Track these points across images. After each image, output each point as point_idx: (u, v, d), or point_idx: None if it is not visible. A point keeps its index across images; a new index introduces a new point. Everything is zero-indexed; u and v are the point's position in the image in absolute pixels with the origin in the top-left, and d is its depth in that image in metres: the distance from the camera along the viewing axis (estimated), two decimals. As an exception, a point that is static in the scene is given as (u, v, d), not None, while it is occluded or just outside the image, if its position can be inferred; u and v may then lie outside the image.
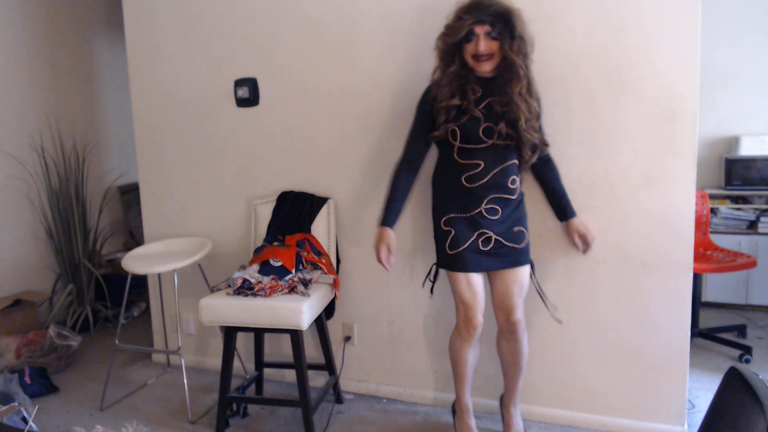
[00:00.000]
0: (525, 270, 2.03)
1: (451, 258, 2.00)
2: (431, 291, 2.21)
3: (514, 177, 1.97)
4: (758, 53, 3.75)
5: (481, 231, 1.97)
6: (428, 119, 2.00)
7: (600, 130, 2.14)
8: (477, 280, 2.00)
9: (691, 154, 2.05)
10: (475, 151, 1.94)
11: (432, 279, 2.15)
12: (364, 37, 2.43)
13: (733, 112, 3.85)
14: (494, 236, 1.97)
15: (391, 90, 2.40)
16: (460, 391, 2.15)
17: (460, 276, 1.99)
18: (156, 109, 2.92)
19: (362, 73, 2.46)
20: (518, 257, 2.00)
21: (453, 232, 1.99)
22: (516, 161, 1.97)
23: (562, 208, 2.10)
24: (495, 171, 1.93)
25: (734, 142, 3.80)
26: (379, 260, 2.00)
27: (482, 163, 1.93)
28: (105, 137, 4.22)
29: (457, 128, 1.93)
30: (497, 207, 1.96)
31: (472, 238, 1.97)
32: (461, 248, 1.98)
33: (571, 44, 2.13)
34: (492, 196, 1.95)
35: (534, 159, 1.97)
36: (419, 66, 2.14)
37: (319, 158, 2.61)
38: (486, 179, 1.94)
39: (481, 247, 1.98)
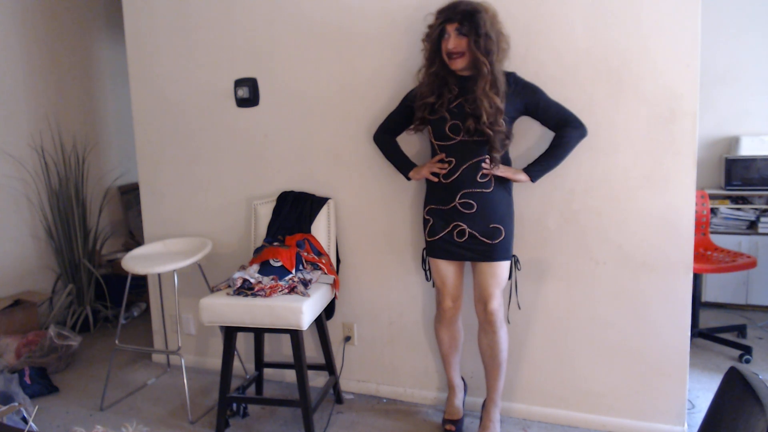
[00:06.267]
0: (502, 264, 2.09)
1: (429, 244, 2.19)
2: (427, 278, 2.28)
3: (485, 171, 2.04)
4: (758, 53, 3.75)
5: (455, 223, 2.08)
6: (405, 114, 2.22)
7: (600, 131, 2.14)
8: (448, 267, 2.16)
9: (690, 155, 2.05)
10: (448, 147, 2.06)
11: (423, 264, 2.30)
12: (364, 37, 2.43)
13: (733, 112, 3.85)
14: (468, 229, 2.06)
15: (391, 89, 2.40)
16: (445, 369, 2.34)
17: (434, 261, 2.18)
18: (156, 108, 2.92)
19: (362, 73, 2.46)
20: (492, 252, 2.06)
21: (431, 221, 2.15)
22: (487, 156, 2.03)
23: (532, 163, 2.10)
24: (465, 166, 2.04)
25: (734, 142, 3.81)
26: (436, 171, 2.10)
27: (453, 160, 2.05)
28: (105, 137, 4.22)
29: (429, 126, 2.09)
30: (472, 201, 2.05)
31: (448, 229, 2.10)
32: (436, 237, 2.13)
33: (571, 44, 2.13)
34: (465, 190, 2.05)
35: (502, 153, 2.04)
36: (419, 65, 2.15)
37: (319, 158, 2.61)
38: (457, 174, 2.05)
39: (456, 239, 2.09)
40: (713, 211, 3.64)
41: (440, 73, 2.03)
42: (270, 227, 2.57)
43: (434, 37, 1.99)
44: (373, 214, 2.53)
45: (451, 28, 1.95)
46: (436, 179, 2.10)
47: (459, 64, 1.98)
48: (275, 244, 2.45)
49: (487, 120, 1.94)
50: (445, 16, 1.96)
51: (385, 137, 2.31)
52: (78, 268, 3.64)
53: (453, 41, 1.95)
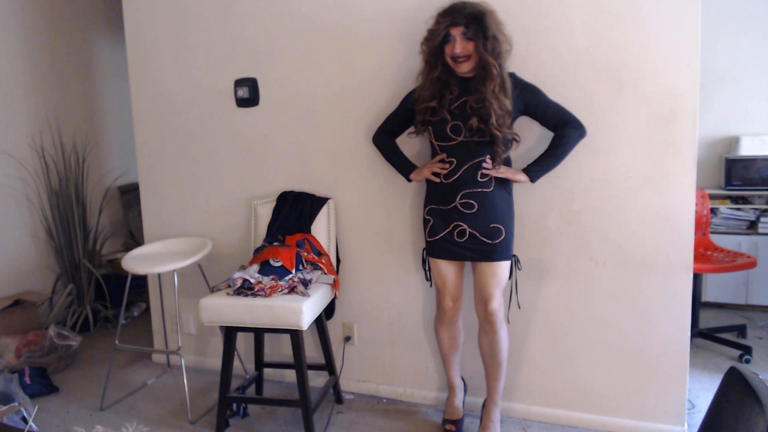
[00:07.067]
0: (502, 264, 2.08)
1: (429, 244, 2.18)
2: (426, 278, 2.28)
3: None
4: (758, 53, 3.75)
5: (456, 224, 2.07)
6: (405, 116, 2.21)
7: (600, 131, 2.14)
8: (448, 267, 2.16)
9: (690, 155, 2.05)
10: (449, 148, 2.05)
11: (423, 265, 2.29)
12: (364, 37, 2.43)
13: (732, 112, 3.85)
14: (468, 229, 2.06)
15: (391, 90, 2.40)
16: (445, 369, 2.34)
17: (434, 261, 2.18)
18: (156, 109, 2.92)
19: (362, 73, 2.46)
20: (492, 253, 2.06)
21: (432, 221, 2.14)
22: (489, 156, 2.03)
23: (532, 163, 2.10)
24: (466, 167, 2.03)
25: (734, 142, 3.81)
26: (437, 171, 2.09)
27: (455, 160, 2.04)
28: (105, 137, 4.22)
29: (430, 127, 2.07)
30: (473, 201, 2.04)
31: (448, 230, 2.10)
32: (437, 237, 2.12)
33: (571, 44, 2.13)
34: (466, 191, 2.04)
35: (506, 154, 2.06)
36: (418, 66, 2.14)
37: (319, 158, 2.61)
38: (458, 175, 2.05)
39: (456, 239, 2.08)
40: (713, 211, 3.64)
41: (442, 77, 2.02)
42: (270, 227, 2.57)
43: (438, 41, 1.96)
44: (373, 214, 2.53)
45: (456, 32, 1.92)
46: (437, 180, 2.10)
47: (465, 68, 1.97)
48: (275, 244, 2.45)
49: (496, 121, 1.93)
50: (450, 19, 1.92)
51: (385, 139, 2.30)
52: (78, 268, 3.64)
53: (460, 45, 1.92)
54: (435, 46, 1.97)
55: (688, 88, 2.03)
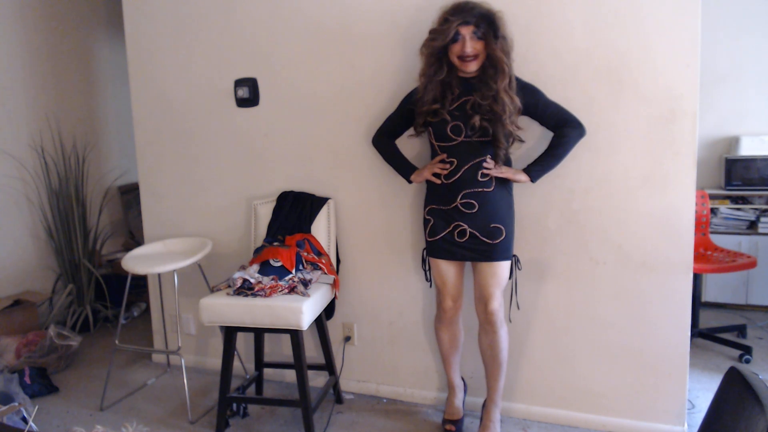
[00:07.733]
0: (502, 264, 2.08)
1: (429, 244, 2.18)
2: (426, 278, 2.29)
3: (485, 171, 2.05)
4: (758, 53, 3.75)
5: (456, 224, 2.07)
6: (405, 117, 2.21)
7: (600, 131, 2.14)
8: (448, 267, 2.16)
9: (690, 155, 2.05)
10: (450, 148, 2.05)
11: (423, 265, 2.30)
12: (364, 37, 2.43)
13: (732, 112, 3.85)
14: (469, 229, 2.06)
15: (391, 89, 2.40)
16: (445, 369, 2.33)
17: (434, 261, 2.18)
18: (156, 109, 2.92)
19: (362, 73, 2.46)
20: (492, 253, 2.06)
21: (432, 221, 2.14)
22: (490, 156, 2.03)
23: (532, 163, 2.10)
24: (467, 167, 2.03)
25: (734, 142, 3.81)
26: (438, 171, 2.09)
27: (455, 160, 2.04)
28: (105, 137, 4.22)
29: (430, 128, 2.08)
30: (473, 201, 2.04)
31: (448, 230, 2.10)
32: (437, 237, 2.12)
33: (571, 44, 2.13)
34: (466, 190, 2.04)
35: (507, 152, 2.06)
36: (418, 66, 2.14)
37: (319, 158, 2.61)
38: (458, 175, 2.05)
39: (457, 239, 2.08)
40: (713, 211, 3.64)
41: (446, 79, 2.02)
42: (270, 227, 2.57)
43: (446, 41, 1.95)
44: (373, 214, 2.54)
45: (466, 31, 1.92)
46: (438, 181, 2.09)
47: (473, 67, 1.97)
48: (275, 244, 2.45)
49: (509, 118, 1.95)
50: (460, 18, 1.91)
51: (384, 140, 2.30)
52: (78, 268, 3.64)
53: (470, 44, 1.92)
54: (440, 45, 1.96)
55: (688, 88, 2.03)
